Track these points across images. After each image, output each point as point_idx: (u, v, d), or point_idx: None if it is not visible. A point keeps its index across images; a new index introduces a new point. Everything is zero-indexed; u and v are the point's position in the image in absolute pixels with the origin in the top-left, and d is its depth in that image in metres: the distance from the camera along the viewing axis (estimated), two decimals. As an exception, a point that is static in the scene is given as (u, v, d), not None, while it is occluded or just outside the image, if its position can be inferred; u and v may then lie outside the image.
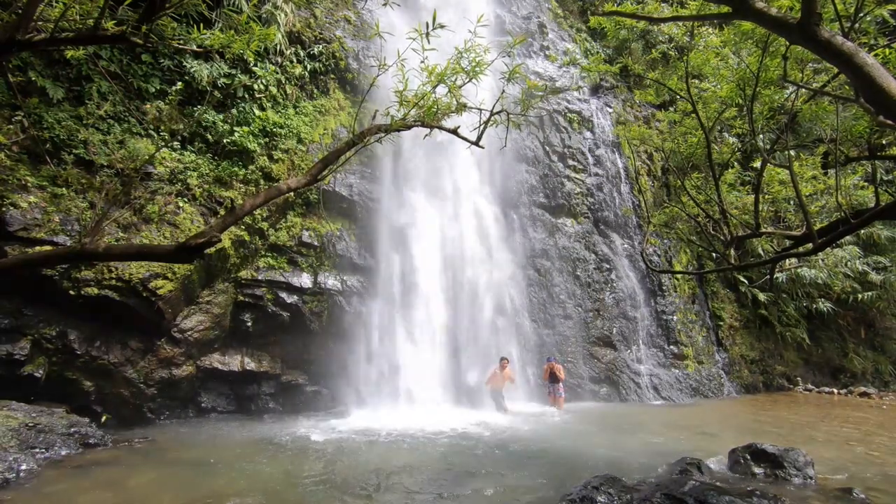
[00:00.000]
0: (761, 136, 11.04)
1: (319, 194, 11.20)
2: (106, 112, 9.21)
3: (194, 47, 5.74)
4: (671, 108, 14.53)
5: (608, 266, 14.44)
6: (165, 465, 6.76)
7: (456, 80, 5.21)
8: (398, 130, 5.43)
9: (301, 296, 10.70)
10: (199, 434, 8.78)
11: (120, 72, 9.26)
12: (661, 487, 4.90)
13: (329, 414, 10.43)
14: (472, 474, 6.39)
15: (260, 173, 10.51)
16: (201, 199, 9.83)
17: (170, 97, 9.44)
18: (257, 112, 10.80)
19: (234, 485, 5.93)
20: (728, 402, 13.73)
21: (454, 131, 5.53)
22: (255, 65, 10.89)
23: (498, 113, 5.46)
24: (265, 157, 10.66)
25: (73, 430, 7.39)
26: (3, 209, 7.83)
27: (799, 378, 16.44)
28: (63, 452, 6.81)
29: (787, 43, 5.62)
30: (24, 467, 6.13)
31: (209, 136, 10.29)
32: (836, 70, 5.79)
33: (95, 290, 8.39)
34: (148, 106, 9.53)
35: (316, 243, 11.04)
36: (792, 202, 13.14)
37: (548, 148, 14.94)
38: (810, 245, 6.24)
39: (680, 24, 11.03)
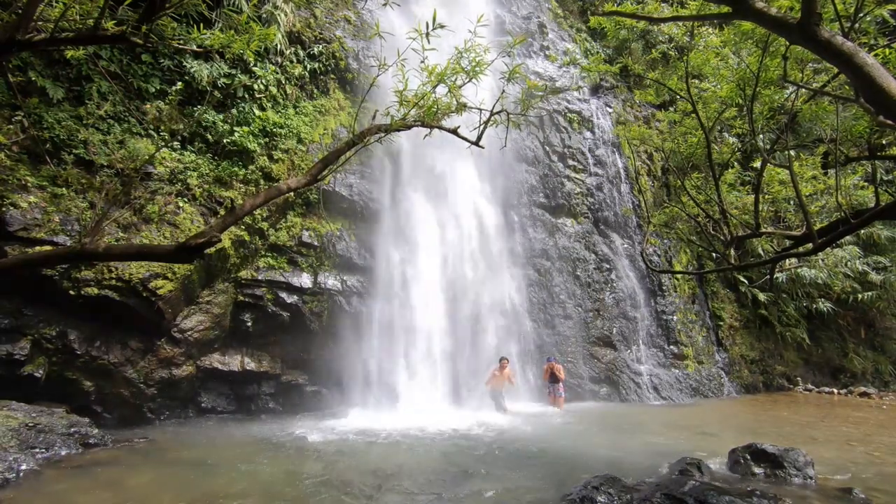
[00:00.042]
0: (761, 136, 11.04)
1: (319, 194, 11.20)
2: (106, 112, 9.21)
3: (194, 47, 5.74)
4: (671, 108, 14.54)
5: (608, 266, 14.44)
6: (165, 465, 6.75)
7: (456, 80, 5.20)
8: (398, 130, 5.43)
9: (301, 296, 10.70)
10: (199, 434, 8.78)
11: (120, 72, 9.26)
12: (661, 487, 4.90)
13: (329, 414, 10.42)
14: (472, 475, 6.39)
15: (260, 173, 10.51)
16: (201, 199, 9.83)
17: (170, 97, 9.44)
18: (257, 112, 10.80)
19: (233, 485, 5.93)
20: (728, 402, 13.73)
21: (454, 131, 5.52)
22: (255, 65, 10.89)
23: (498, 113, 5.46)
24: (265, 157, 10.66)
25: (73, 430, 7.39)
26: (3, 209, 7.83)
27: (799, 378, 16.44)
28: (63, 452, 6.80)
29: (787, 43, 5.62)
30: (24, 467, 6.13)
31: (209, 136, 10.29)
32: (836, 70, 5.79)
33: (95, 290, 8.39)
34: (148, 106, 9.53)
35: (316, 243, 11.04)
36: (792, 202, 13.14)
37: (548, 148, 14.94)
38: (810, 245, 6.24)
39: (680, 24, 11.04)
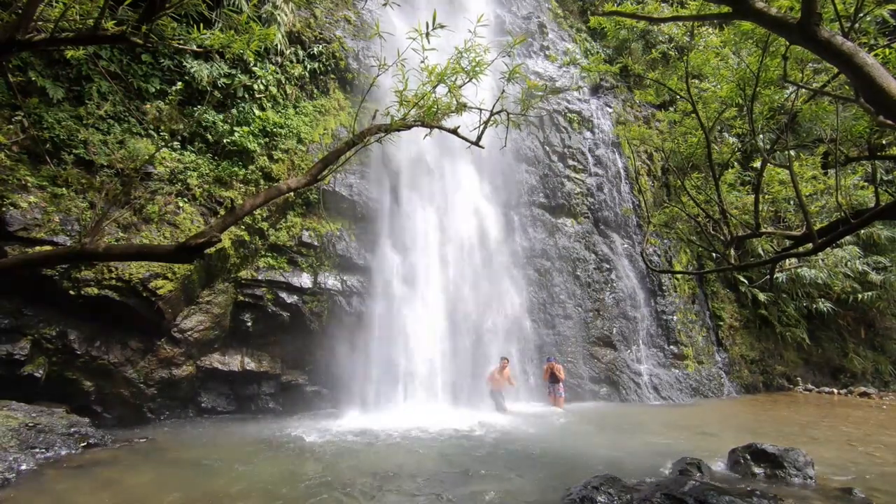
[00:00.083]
0: (761, 136, 11.04)
1: (319, 194, 11.20)
2: (106, 112, 9.21)
3: (194, 47, 5.74)
4: (671, 108, 14.54)
5: (608, 266, 14.44)
6: (165, 465, 6.75)
7: (456, 79, 5.20)
8: (398, 130, 5.42)
9: (301, 296, 10.70)
10: (199, 434, 8.78)
11: (120, 72, 9.26)
12: (661, 487, 4.90)
13: (329, 414, 10.42)
14: (472, 475, 6.39)
15: (260, 173, 10.51)
16: (201, 199, 9.83)
17: (170, 97, 9.44)
18: (257, 112, 10.80)
19: (234, 485, 5.93)
20: (728, 402, 13.73)
21: (454, 131, 5.52)
22: (255, 65, 10.89)
23: (498, 113, 5.46)
24: (265, 157, 10.66)
25: (73, 430, 7.39)
26: (3, 209, 7.83)
27: (799, 378, 16.44)
28: (63, 452, 6.81)
29: (787, 43, 5.62)
30: (24, 467, 6.13)
31: (209, 136, 10.29)
32: (836, 70, 5.79)
33: (95, 290, 8.39)
34: (148, 106, 9.53)
35: (316, 243, 11.04)
36: (792, 202, 13.14)
37: (548, 148, 14.94)
38: (810, 245, 6.24)
39: (680, 24, 11.04)
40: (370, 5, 13.13)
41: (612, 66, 11.13)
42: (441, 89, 5.27)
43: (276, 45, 10.99)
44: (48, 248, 7.75)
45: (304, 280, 10.77)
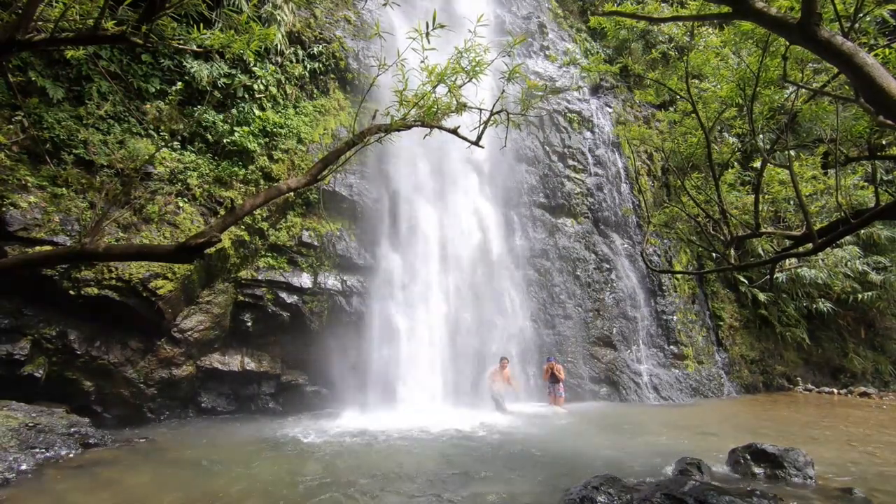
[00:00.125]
0: (761, 136, 11.04)
1: (319, 194, 11.20)
2: (106, 112, 9.21)
3: (194, 47, 5.74)
4: (671, 108, 14.53)
5: (608, 266, 14.44)
6: (165, 465, 6.75)
7: (456, 79, 5.20)
8: (398, 130, 5.42)
9: (301, 296, 10.70)
10: (199, 434, 8.78)
11: (120, 72, 9.26)
12: (661, 487, 4.90)
13: (329, 414, 10.42)
14: (472, 475, 6.39)
15: (260, 173, 10.51)
16: (201, 199, 9.83)
17: (170, 97, 9.44)
18: (257, 112, 10.80)
19: (233, 485, 5.93)
20: (728, 402, 13.73)
21: (454, 131, 5.52)
22: (255, 65, 10.89)
23: (498, 113, 5.45)
24: (265, 157, 10.66)
25: (73, 430, 7.39)
26: (3, 209, 7.83)
27: (799, 378, 16.44)
28: (63, 452, 6.81)
29: (787, 43, 5.62)
30: (24, 467, 6.14)
31: (209, 136, 10.29)
32: (836, 70, 5.79)
33: (95, 290, 8.39)
34: (148, 106, 9.53)
35: (316, 243, 11.04)
36: (792, 202, 13.13)
37: (548, 148, 14.94)
38: (810, 245, 6.24)
39: (680, 24, 11.04)
40: (370, 5, 13.13)
41: (612, 66, 11.13)
42: (441, 89, 5.27)
43: (276, 45, 10.99)
44: (48, 248, 7.75)
45: (304, 280, 10.77)
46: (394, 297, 11.68)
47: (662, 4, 9.64)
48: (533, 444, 8.11)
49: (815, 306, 16.70)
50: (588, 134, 15.60)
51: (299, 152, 11.07)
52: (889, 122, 5.63)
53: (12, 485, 5.69)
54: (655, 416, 11.47)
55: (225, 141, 10.29)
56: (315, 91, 12.01)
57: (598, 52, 17.03)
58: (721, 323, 15.64)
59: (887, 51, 5.95)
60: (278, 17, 10.96)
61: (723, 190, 9.39)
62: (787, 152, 7.89)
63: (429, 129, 5.51)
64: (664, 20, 6.59)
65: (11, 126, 8.03)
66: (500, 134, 5.98)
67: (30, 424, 6.90)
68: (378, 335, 11.38)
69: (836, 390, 15.68)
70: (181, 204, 9.54)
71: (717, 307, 15.81)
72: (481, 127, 5.52)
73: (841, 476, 6.55)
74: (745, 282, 16.28)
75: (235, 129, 10.43)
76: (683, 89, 7.69)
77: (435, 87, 5.17)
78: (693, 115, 8.17)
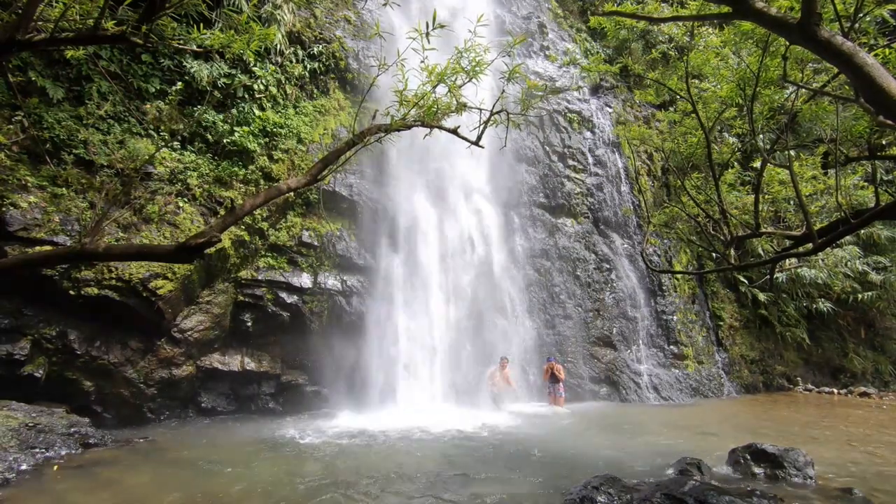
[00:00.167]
0: (761, 136, 11.03)
1: (319, 194, 11.20)
2: (106, 112, 9.21)
3: (194, 47, 5.74)
4: (671, 108, 14.53)
5: (608, 266, 14.44)
6: (165, 465, 6.75)
7: (456, 79, 5.19)
8: (398, 130, 5.41)
9: (301, 296, 10.70)
10: (199, 434, 8.78)
11: (120, 72, 9.26)
12: (661, 487, 4.90)
13: (329, 414, 10.42)
14: (472, 475, 6.39)
15: (260, 173, 10.51)
16: (201, 199, 9.83)
17: (170, 97, 9.44)
18: (257, 112, 10.80)
19: (233, 485, 5.93)
20: (728, 402, 13.73)
21: (454, 131, 5.52)
22: (255, 65, 10.89)
23: (498, 113, 5.45)
24: (265, 157, 10.66)
25: (73, 430, 7.40)
26: (3, 209, 7.83)
27: (799, 378, 16.44)
28: (63, 452, 6.81)
29: (787, 43, 5.62)
30: (24, 467, 6.14)
31: (209, 136, 10.29)
32: (836, 70, 5.79)
33: (95, 290, 8.39)
34: (148, 106, 9.53)
35: (316, 243, 11.04)
36: (792, 202, 13.13)
37: (548, 148, 14.94)
38: (810, 245, 6.24)
39: (680, 24, 11.04)
40: (370, 5, 13.13)
41: (612, 66, 11.13)
42: (441, 89, 5.27)
43: (276, 45, 10.99)
44: (48, 248, 7.75)
45: (304, 280, 10.77)
46: (394, 297, 11.68)
47: (662, 4, 9.63)
48: (533, 445, 8.11)
49: (815, 306, 16.70)
50: (588, 134, 15.60)
51: (299, 152, 11.07)
52: (889, 122, 5.63)
53: (12, 485, 5.69)
54: (655, 416, 11.47)
55: (225, 141, 10.29)
56: (315, 91, 12.01)
57: (598, 52, 17.03)
58: (721, 323, 15.64)
59: (887, 51, 5.95)
60: (278, 17, 10.96)
61: (723, 190, 9.39)
62: (787, 152, 7.88)
63: (429, 129, 5.51)
64: (664, 20, 6.59)
65: (11, 126, 8.03)
66: (500, 134, 5.98)
67: (30, 424, 6.90)
68: (378, 335, 11.38)
69: (836, 390, 15.68)
70: (181, 204, 9.54)
71: (717, 307, 15.81)
72: (481, 127, 5.51)
73: (841, 476, 6.55)
74: (745, 282, 16.28)
75: (235, 129, 10.43)
76: (683, 89, 7.69)
77: (435, 87, 5.17)
78: (693, 115, 8.17)
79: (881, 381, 17.39)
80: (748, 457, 6.54)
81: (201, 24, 5.82)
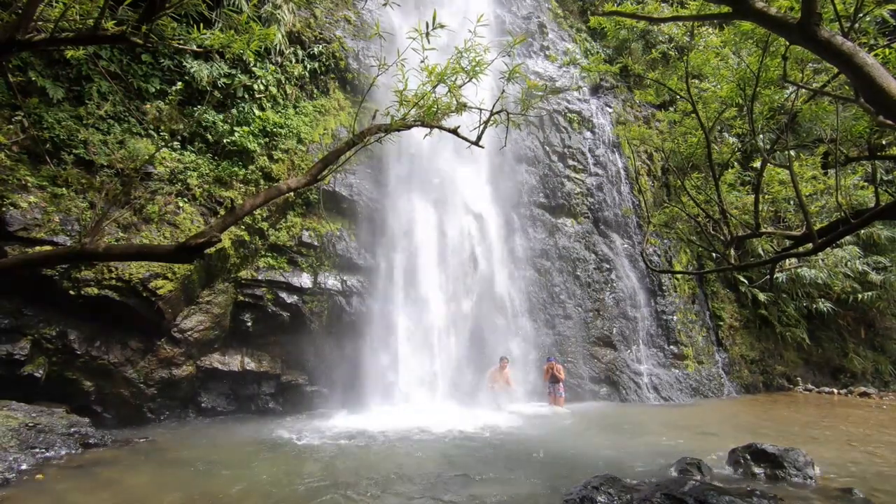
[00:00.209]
0: (761, 136, 11.03)
1: (319, 194, 11.20)
2: (106, 112, 9.21)
3: (194, 47, 5.74)
4: (671, 108, 14.53)
5: (608, 266, 14.44)
6: (165, 465, 6.75)
7: (456, 79, 5.20)
8: (398, 130, 5.42)
9: (301, 296, 10.70)
10: (199, 434, 8.78)
11: (120, 72, 9.26)
12: (661, 487, 4.90)
13: (329, 414, 10.42)
14: (472, 475, 6.39)
15: (260, 173, 10.51)
16: (201, 199, 9.83)
17: (170, 97, 9.44)
18: (257, 112, 10.80)
19: (233, 485, 5.93)
20: (728, 402, 13.73)
21: (454, 131, 5.52)
22: (255, 65, 10.89)
23: (498, 113, 5.45)
24: (265, 157, 10.66)
25: (73, 430, 7.39)
26: (3, 209, 7.83)
27: (799, 378, 16.44)
28: (63, 452, 6.81)
29: (787, 43, 5.62)
30: (24, 467, 6.14)
31: (209, 136, 10.29)
32: (836, 70, 5.79)
33: (95, 290, 8.39)
34: (148, 106, 9.53)
35: (316, 243, 11.04)
36: (792, 202, 13.13)
37: (548, 148, 14.94)
38: (810, 245, 6.24)
39: (680, 24, 11.04)
40: (370, 5, 13.13)
41: (612, 66, 11.13)
42: (441, 89, 5.27)
43: (276, 45, 10.99)
44: (48, 248, 7.75)
45: (304, 280, 10.77)
46: (394, 297, 11.68)
47: (662, 4, 9.63)
48: (533, 445, 8.11)
49: (815, 306, 16.69)
50: (588, 134, 15.60)
51: (299, 152, 11.08)
52: (889, 122, 5.64)
53: (12, 485, 5.69)
54: (655, 416, 11.47)
55: (225, 141, 10.29)
56: (315, 91, 12.01)
57: (598, 52, 17.02)
58: (721, 323, 15.64)
59: (887, 51, 5.95)
60: (278, 17, 10.96)
61: (723, 190, 9.39)
62: (787, 152, 7.89)
63: (429, 129, 5.51)
64: (664, 20, 6.59)
65: (11, 126, 8.03)
66: (500, 134, 5.98)
67: (30, 424, 6.90)
68: (378, 335, 11.38)
69: (836, 390, 15.68)
70: (181, 204, 9.54)
71: (717, 307, 15.81)
72: (481, 127, 5.52)
73: (841, 476, 6.55)
74: (745, 282, 16.27)
75: (235, 129, 10.43)
76: (683, 89, 7.69)
77: (435, 87, 5.17)
78: (693, 115, 8.17)
79: (881, 381, 17.39)
80: (748, 457, 6.54)
81: (201, 24, 5.82)
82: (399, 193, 12.34)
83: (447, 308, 12.19)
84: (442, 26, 4.68)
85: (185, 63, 10.02)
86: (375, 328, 11.39)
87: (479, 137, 5.54)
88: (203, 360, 9.90)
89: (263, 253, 10.55)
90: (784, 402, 13.90)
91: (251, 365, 10.33)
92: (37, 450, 6.61)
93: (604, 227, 15.11)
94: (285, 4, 11.25)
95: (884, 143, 9.96)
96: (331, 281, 11.06)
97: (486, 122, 5.48)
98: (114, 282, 8.51)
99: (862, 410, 12.60)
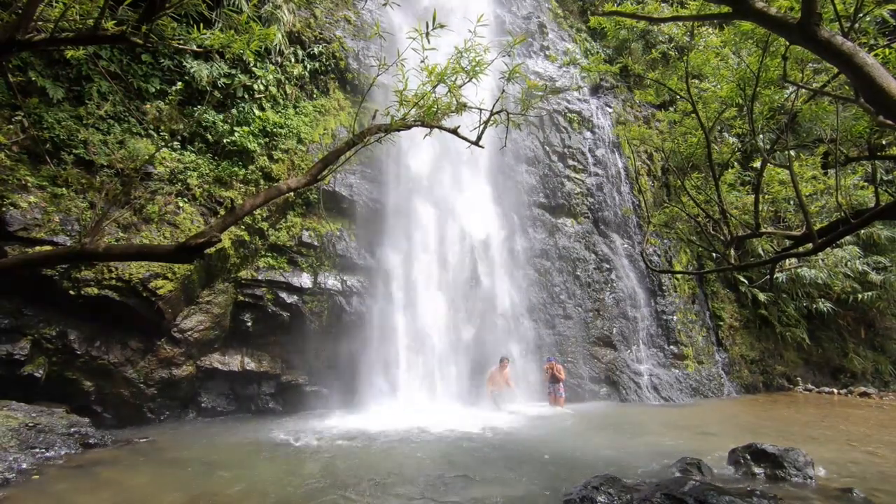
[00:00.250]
0: (761, 136, 11.03)
1: (319, 194, 11.20)
2: (106, 112, 9.21)
3: (194, 47, 5.74)
4: (671, 108, 14.53)
5: (608, 266, 14.44)
6: (165, 465, 6.75)
7: (456, 79, 5.20)
8: (398, 130, 5.42)
9: (301, 296, 10.70)
10: (199, 434, 8.78)
11: (120, 72, 9.26)
12: (661, 487, 4.90)
13: (329, 414, 10.42)
14: (472, 475, 6.39)
15: (260, 173, 10.51)
16: (201, 199, 9.83)
17: (170, 97, 9.44)
18: (257, 112, 10.80)
19: (233, 485, 5.93)
20: (728, 402, 13.72)
21: (454, 131, 5.52)
22: (255, 65, 10.89)
23: (498, 113, 5.45)
24: (265, 157, 10.66)
25: (73, 430, 7.39)
26: (3, 209, 7.83)
27: (799, 378, 16.43)
28: (63, 452, 6.81)
29: (787, 43, 5.62)
30: (24, 467, 6.14)
31: (209, 136, 10.29)
32: (836, 70, 5.79)
33: (95, 290, 8.39)
34: (148, 106, 9.53)
35: (316, 243, 11.04)
36: (792, 202, 13.13)
37: (548, 148, 14.94)
38: (810, 245, 6.24)
39: (680, 24, 11.04)
40: (370, 5, 13.13)
41: (612, 66, 11.13)
42: (441, 89, 5.27)
43: (276, 45, 11.00)
44: (48, 248, 7.75)
45: (304, 280, 10.77)
46: (394, 296, 11.68)
47: (662, 4, 9.63)
48: (533, 445, 8.11)
49: (815, 306, 16.69)
50: (588, 134, 15.60)
51: (299, 152, 11.08)
52: (889, 122, 5.64)
53: (12, 485, 5.69)
54: (655, 416, 11.46)
55: (225, 141, 10.29)
56: (315, 91, 12.01)
57: (598, 52, 17.03)
58: (721, 323, 15.63)
59: (887, 51, 5.95)
60: (278, 17, 10.97)
61: (723, 190, 9.39)
62: (787, 152, 7.89)
63: (429, 129, 5.51)
64: (664, 20, 6.59)
65: (11, 126, 8.03)
66: (500, 134, 5.98)
67: (30, 424, 6.91)
68: (378, 335, 11.38)
69: (836, 390, 15.67)
70: (181, 204, 9.54)
71: (717, 307, 15.81)
72: (481, 127, 5.52)
73: (841, 476, 6.54)
74: (745, 282, 16.27)
75: (235, 129, 10.43)
76: (683, 89, 7.69)
77: (435, 87, 5.17)
78: (693, 115, 8.16)
79: (881, 381, 17.38)
80: (748, 457, 6.54)
81: (201, 24, 5.82)
82: (399, 193, 12.34)
83: (447, 308, 12.19)
84: (442, 26, 4.67)
85: (185, 63, 10.02)
86: (375, 328, 11.39)
87: (479, 137, 5.54)
88: (203, 360, 9.90)
89: (263, 253, 10.55)
90: (784, 402, 13.89)
91: (251, 365, 10.33)
92: (37, 450, 6.61)
93: (604, 227, 15.11)
94: (285, 4, 11.25)
95: (884, 143, 9.96)
96: (331, 281, 11.07)
97: (486, 123, 5.48)
98: (114, 282, 8.51)
99: (862, 410, 12.60)
